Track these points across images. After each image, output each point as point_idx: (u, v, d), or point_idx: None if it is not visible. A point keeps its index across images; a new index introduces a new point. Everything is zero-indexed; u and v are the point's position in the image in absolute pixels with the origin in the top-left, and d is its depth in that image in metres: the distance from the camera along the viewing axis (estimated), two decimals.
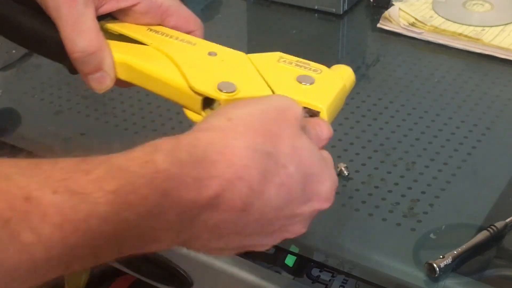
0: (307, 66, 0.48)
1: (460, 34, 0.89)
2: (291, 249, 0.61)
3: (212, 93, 0.45)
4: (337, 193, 0.64)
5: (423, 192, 0.65)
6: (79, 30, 0.48)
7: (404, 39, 0.90)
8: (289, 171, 0.40)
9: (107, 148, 0.38)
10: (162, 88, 0.48)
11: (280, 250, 0.62)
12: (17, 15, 0.51)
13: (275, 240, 0.43)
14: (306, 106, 0.45)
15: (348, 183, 0.66)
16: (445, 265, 0.55)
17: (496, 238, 0.58)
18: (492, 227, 0.58)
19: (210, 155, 0.37)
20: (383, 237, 0.61)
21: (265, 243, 0.43)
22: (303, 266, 0.63)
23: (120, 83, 0.51)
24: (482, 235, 0.58)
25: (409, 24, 0.92)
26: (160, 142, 0.37)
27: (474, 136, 0.72)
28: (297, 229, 0.43)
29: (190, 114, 0.47)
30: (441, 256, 0.55)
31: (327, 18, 0.95)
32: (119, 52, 0.49)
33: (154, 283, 0.73)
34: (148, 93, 0.77)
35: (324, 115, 0.45)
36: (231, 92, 0.45)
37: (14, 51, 0.88)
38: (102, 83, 0.49)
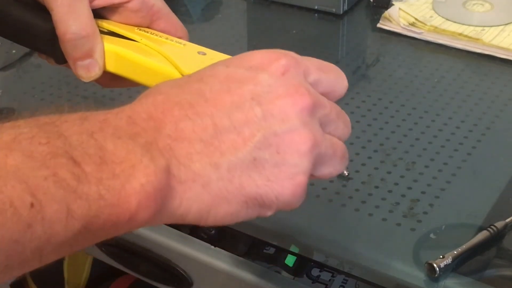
0: None
1: (460, 34, 0.89)
2: (291, 249, 0.61)
3: None
4: (337, 193, 0.65)
5: (423, 192, 0.65)
6: (73, 13, 0.48)
7: (404, 39, 0.90)
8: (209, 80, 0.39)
9: None
10: (154, 78, 0.47)
11: (280, 250, 0.62)
12: (3, 5, 0.51)
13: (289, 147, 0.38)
14: None
15: (348, 183, 0.66)
16: (445, 265, 0.55)
17: (496, 238, 0.58)
18: (492, 227, 0.58)
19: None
20: (383, 237, 0.61)
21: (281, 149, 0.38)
22: (303, 266, 0.63)
23: (105, 80, 0.51)
24: (482, 235, 0.58)
25: (409, 24, 0.92)
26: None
27: (474, 136, 0.72)
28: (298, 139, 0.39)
29: None
30: (441, 256, 0.55)
31: (327, 18, 0.95)
32: (110, 43, 0.49)
33: (154, 283, 0.73)
34: None
35: None
36: None
37: (14, 51, 0.88)
38: (90, 71, 0.48)
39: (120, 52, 0.49)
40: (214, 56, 0.50)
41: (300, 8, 0.96)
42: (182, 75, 0.46)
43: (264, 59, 0.40)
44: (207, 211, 0.37)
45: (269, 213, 0.39)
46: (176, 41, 0.52)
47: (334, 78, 0.44)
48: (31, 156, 0.31)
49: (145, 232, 0.68)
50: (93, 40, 0.48)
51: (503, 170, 0.67)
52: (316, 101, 0.40)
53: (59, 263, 1.19)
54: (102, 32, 0.52)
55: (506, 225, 0.59)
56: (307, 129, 0.39)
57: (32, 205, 0.30)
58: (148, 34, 0.52)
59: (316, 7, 0.96)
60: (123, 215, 0.34)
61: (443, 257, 0.55)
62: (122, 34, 0.52)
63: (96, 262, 1.18)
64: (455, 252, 0.56)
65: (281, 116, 0.38)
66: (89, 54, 0.48)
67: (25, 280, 1.25)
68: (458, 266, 0.56)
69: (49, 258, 0.32)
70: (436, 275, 0.55)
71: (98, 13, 0.53)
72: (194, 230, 0.66)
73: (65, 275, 1.19)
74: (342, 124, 0.44)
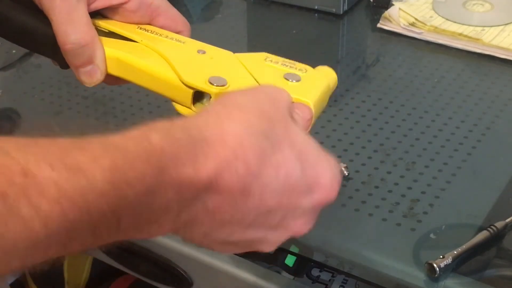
0: (292, 65, 0.49)
1: (460, 34, 0.89)
2: (291, 249, 0.61)
3: (203, 86, 0.46)
4: None
5: (423, 192, 0.65)
6: (71, 22, 0.48)
7: (404, 39, 0.90)
8: (285, 154, 0.39)
9: None
10: (153, 82, 0.48)
11: (280, 250, 0.62)
12: (8, 10, 0.51)
13: (279, 237, 0.42)
14: (294, 101, 0.45)
15: (348, 183, 0.66)
16: (445, 265, 0.55)
17: (496, 238, 0.58)
18: (492, 227, 0.58)
19: (205, 135, 0.37)
20: (383, 237, 0.61)
21: (269, 239, 0.42)
22: (303, 266, 0.63)
23: (110, 80, 0.51)
24: (482, 235, 0.58)
25: (409, 24, 0.92)
26: (155, 123, 0.37)
27: (474, 136, 0.72)
28: (301, 225, 0.43)
29: (180, 109, 0.47)
30: (441, 256, 0.55)
31: (327, 18, 0.95)
32: (110, 47, 0.50)
33: (154, 283, 0.73)
34: (148, 93, 0.78)
35: (312, 110, 0.45)
36: (222, 85, 0.46)
37: (14, 51, 0.88)
38: (92, 77, 0.49)
39: (120, 56, 0.49)
40: (214, 53, 0.50)
41: (300, 8, 0.97)
42: (180, 80, 0.47)
43: (325, 188, 0.42)
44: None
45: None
46: (176, 39, 0.52)
47: None
48: (89, 214, 0.33)
49: None
50: (92, 47, 0.49)
51: (503, 170, 0.67)
52: None
53: (59, 263, 1.19)
54: (102, 32, 0.52)
55: (506, 225, 0.59)
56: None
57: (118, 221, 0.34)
58: (148, 34, 0.52)
59: (316, 7, 0.96)
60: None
61: (443, 257, 0.55)
62: (122, 35, 0.52)
63: (96, 262, 1.18)
64: (455, 252, 0.56)
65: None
66: (89, 61, 0.49)
67: (25, 280, 1.25)
68: (458, 266, 0.56)
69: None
70: (436, 275, 0.55)
71: (99, 12, 0.53)
72: None
73: (65, 275, 1.19)
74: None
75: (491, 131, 0.73)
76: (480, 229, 0.59)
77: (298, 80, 0.47)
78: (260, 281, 0.62)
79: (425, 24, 0.91)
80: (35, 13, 0.50)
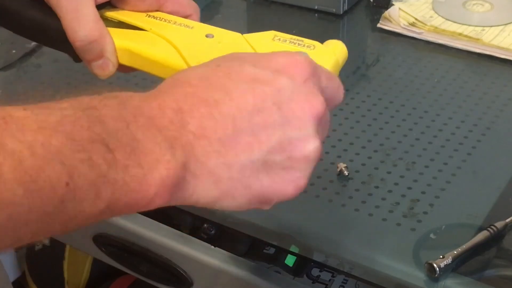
0: (301, 42, 0.50)
1: (460, 34, 0.89)
2: (291, 249, 0.61)
3: None
4: (337, 193, 0.65)
5: (423, 192, 0.65)
6: (79, 19, 0.49)
7: (404, 39, 0.90)
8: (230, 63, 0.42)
9: None
10: (163, 70, 0.49)
11: (280, 250, 0.62)
12: (19, 6, 0.53)
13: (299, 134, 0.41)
14: None
15: (348, 183, 0.66)
16: (445, 265, 0.55)
17: (496, 238, 0.58)
18: (492, 227, 0.58)
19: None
20: (383, 237, 0.61)
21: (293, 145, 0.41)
22: (303, 266, 0.63)
23: (123, 69, 0.52)
24: (482, 235, 0.58)
25: (409, 24, 0.92)
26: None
27: (474, 136, 0.72)
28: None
29: None
30: (441, 256, 0.55)
31: (327, 18, 0.95)
32: (120, 39, 0.51)
33: (154, 283, 0.73)
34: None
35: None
36: None
37: (14, 51, 0.88)
38: (105, 70, 0.51)
39: (130, 47, 0.50)
40: (222, 37, 0.51)
41: (300, 8, 0.96)
42: (188, 66, 0.48)
43: (289, 64, 0.42)
44: (214, 202, 0.40)
45: (267, 207, 0.43)
46: (184, 24, 0.53)
47: (337, 87, 0.47)
48: (72, 139, 0.34)
49: (145, 232, 0.68)
50: (101, 42, 0.50)
51: (503, 170, 0.67)
52: (325, 109, 0.43)
53: (59, 263, 1.19)
54: (111, 23, 0.53)
55: (506, 225, 0.59)
56: (318, 138, 0.42)
57: (67, 184, 0.33)
58: (156, 21, 0.53)
59: (316, 7, 0.96)
60: (141, 200, 0.37)
61: (443, 257, 0.55)
62: (132, 24, 0.53)
63: (96, 262, 1.18)
64: (455, 252, 0.56)
65: (298, 124, 0.41)
66: (100, 55, 0.50)
67: (25, 280, 1.25)
68: (458, 266, 0.56)
69: (72, 230, 0.36)
70: (436, 275, 0.55)
71: (108, 3, 0.54)
72: (194, 230, 0.66)
73: (65, 275, 1.19)
74: (327, 131, 0.46)
75: (491, 131, 0.73)
76: (480, 229, 0.59)
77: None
78: (260, 281, 0.62)
79: (425, 24, 0.91)
80: (46, 9, 0.51)
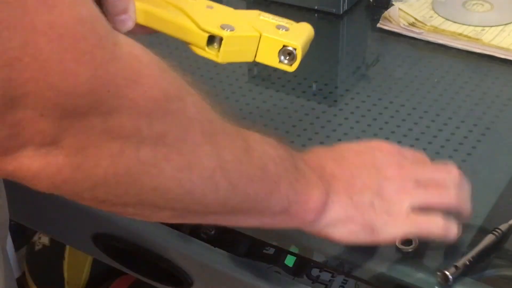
0: (281, 20, 0.60)
1: (460, 34, 0.89)
2: (291, 249, 0.61)
3: (217, 31, 0.55)
4: None
5: None
6: None
7: (404, 39, 0.90)
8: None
9: None
10: (175, 29, 0.57)
11: (280, 250, 0.62)
12: None
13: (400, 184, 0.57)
14: (286, 44, 0.57)
15: None
16: (458, 274, 0.55)
17: (502, 241, 0.58)
18: (497, 230, 0.58)
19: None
20: None
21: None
22: (303, 266, 0.63)
23: (137, 30, 0.58)
24: (489, 239, 0.58)
25: (409, 24, 0.92)
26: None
27: (474, 136, 0.72)
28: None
29: (196, 50, 0.57)
30: (454, 265, 0.55)
31: (327, 18, 0.96)
32: (140, 1, 0.58)
33: (154, 283, 0.73)
34: None
35: (299, 50, 0.57)
36: (232, 30, 0.55)
37: None
38: (125, 24, 0.57)
39: (148, 9, 0.57)
40: (220, 9, 0.59)
41: (300, 8, 0.97)
42: (197, 26, 0.56)
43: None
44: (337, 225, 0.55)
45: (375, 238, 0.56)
46: None
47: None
48: (283, 159, 0.51)
49: (145, 232, 0.68)
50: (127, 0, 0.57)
51: (503, 170, 0.67)
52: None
53: (59, 263, 1.19)
54: None
55: (510, 227, 0.59)
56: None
57: (275, 182, 0.50)
58: None
59: (316, 7, 0.96)
60: (301, 212, 0.53)
61: (457, 267, 0.55)
62: None
63: (96, 262, 1.18)
64: (467, 263, 0.55)
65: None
66: (124, 11, 0.56)
67: (25, 280, 1.25)
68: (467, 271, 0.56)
69: (251, 224, 0.52)
70: (449, 283, 0.55)
71: None
72: (194, 230, 0.66)
73: (65, 275, 1.19)
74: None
75: (491, 131, 0.73)
76: (481, 229, 0.59)
77: (287, 30, 0.58)
78: (260, 281, 0.62)
79: (425, 24, 0.91)
80: None
